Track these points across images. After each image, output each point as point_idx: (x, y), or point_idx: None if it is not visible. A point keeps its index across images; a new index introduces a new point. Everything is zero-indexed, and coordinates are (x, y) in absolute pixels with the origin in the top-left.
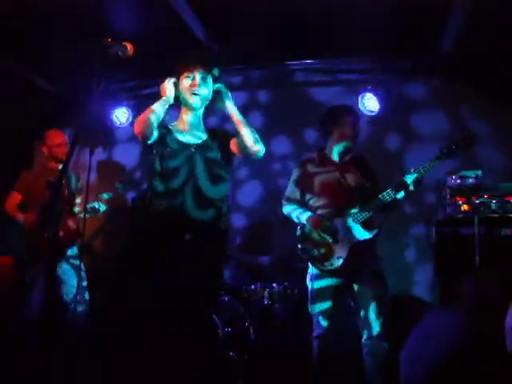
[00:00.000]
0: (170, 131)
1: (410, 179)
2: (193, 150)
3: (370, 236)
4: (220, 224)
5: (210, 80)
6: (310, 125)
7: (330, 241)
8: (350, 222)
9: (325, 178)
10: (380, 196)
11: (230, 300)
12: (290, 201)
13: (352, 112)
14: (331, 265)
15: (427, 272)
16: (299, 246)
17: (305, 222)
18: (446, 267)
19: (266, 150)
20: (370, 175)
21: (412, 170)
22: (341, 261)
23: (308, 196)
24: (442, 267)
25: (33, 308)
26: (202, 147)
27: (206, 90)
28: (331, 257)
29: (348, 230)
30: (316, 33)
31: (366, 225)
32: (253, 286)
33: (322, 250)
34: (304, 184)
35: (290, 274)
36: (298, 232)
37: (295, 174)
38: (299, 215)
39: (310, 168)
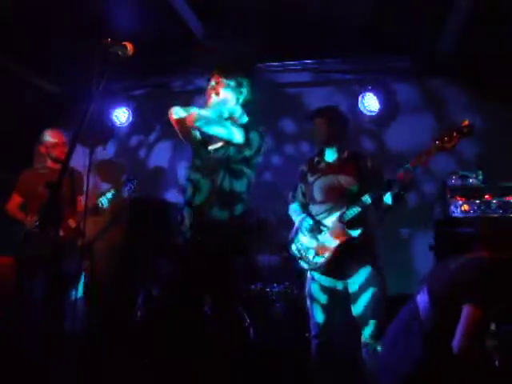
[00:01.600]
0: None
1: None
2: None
3: (354, 235)
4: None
5: (229, 86)
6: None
7: (318, 239)
8: (338, 220)
9: (321, 181)
10: (362, 198)
11: None
12: (295, 200)
13: (320, 113)
14: (315, 264)
15: (427, 272)
16: (290, 244)
17: (297, 223)
18: None
19: None
20: (365, 174)
21: (407, 165)
22: (325, 259)
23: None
24: None
25: (33, 309)
26: (217, 150)
27: (225, 95)
28: (317, 255)
29: (335, 228)
30: (315, 33)
31: (351, 224)
32: (253, 286)
33: (310, 249)
34: (307, 194)
35: (290, 274)
36: (291, 232)
37: (300, 188)
38: (296, 217)
39: (309, 178)
